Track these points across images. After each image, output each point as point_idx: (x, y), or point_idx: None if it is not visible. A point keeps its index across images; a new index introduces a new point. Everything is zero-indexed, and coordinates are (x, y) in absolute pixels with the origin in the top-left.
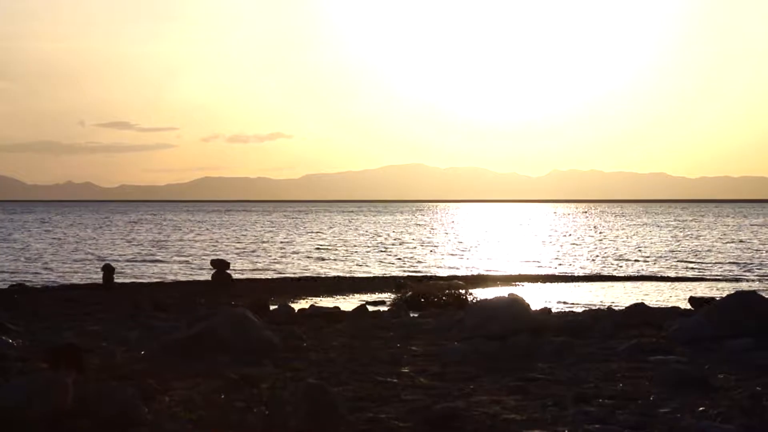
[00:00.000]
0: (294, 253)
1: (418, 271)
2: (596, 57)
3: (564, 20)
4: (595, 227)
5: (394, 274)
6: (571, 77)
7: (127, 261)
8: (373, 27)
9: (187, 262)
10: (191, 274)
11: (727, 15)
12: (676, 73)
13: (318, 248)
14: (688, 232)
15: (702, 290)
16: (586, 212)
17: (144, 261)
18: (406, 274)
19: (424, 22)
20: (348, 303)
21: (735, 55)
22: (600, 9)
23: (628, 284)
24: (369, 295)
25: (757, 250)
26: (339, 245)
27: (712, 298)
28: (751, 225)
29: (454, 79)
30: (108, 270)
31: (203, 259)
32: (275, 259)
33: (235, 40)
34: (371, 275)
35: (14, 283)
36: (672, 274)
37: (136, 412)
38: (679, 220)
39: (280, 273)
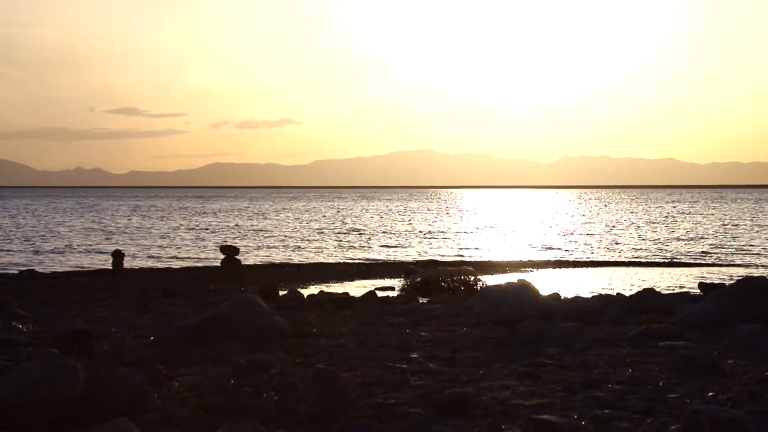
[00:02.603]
0: (302, 239)
1: (428, 257)
2: (606, 43)
3: (575, 6)
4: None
5: (403, 259)
6: (581, 63)
7: (137, 247)
8: (383, 13)
9: (196, 248)
10: (200, 261)
11: (740, 2)
12: (687, 59)
13: (327, 234)
14: (698, 218)
15: (712, 276)
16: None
17: (154, 247)
18: (415, 260)
19: (434, 7)
20: (357, 289)
21: (745, 41)
22: None
23: (638, 270)
24: (378, 281)
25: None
26: (348, 231)
27: (722, 284)
28: (763, 210)
29: (464, 65)
30: (118, 256)
31: (213, 245)
32: (284, 245)
33: (244, 26)
34: (380, 261)
35: (24, 269)
36: (682, 259)
37: (145, 398)
38: (688, 206)
39: (289, 259)
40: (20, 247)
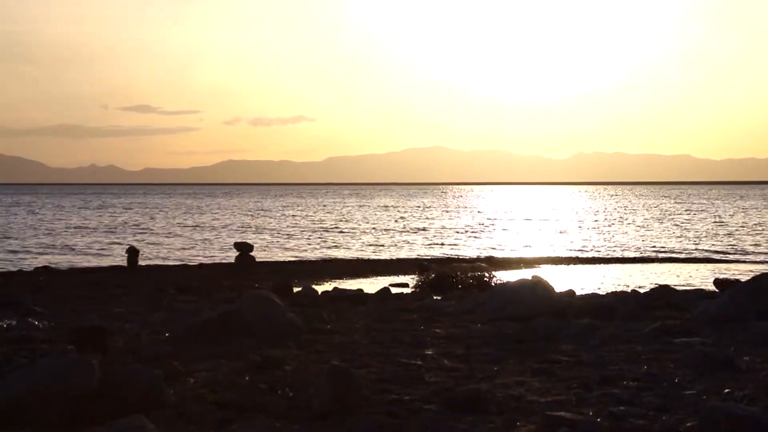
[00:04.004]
0: (317, 235)
1: (441, 254)
2: (620, 37)
3: (589, 1)
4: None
5: (416, 256)
6: (594, 59)
7: (150, 243)
8: (396, 10)
9: (210, 244)
10: (215, 257)
11: None
12: (702, 54)
13: (341, 231)
14: (713, 214)
15: (727, 272)
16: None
17: (167, 244)
18: (429, 256)
19: (446, 4)
20: (371, 285)
21: (761, 36)
22: None
23: (652, 266)
24: (392, 277)
25: None
26: (362, 228)
27: (738, 280)
28: None
29: (477, 60)
30: (132, 252)
31: (226, 241)
32: (298, 241)
33: (258, 23)
34: (394, 258)
35: (39, 265)
36: (696, 255)
37: (160, 394)
38: (704, 202)
39: (303, 256)
40: (33, 242)
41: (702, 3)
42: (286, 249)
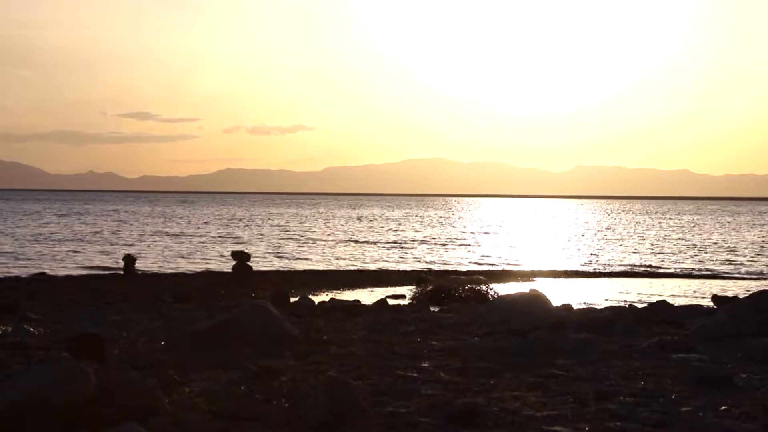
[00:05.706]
0: (314, 245)
1: (439, 266)
2: (621, 51)
3: (589, 13)
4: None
5: (414, 268)
6: (595, 72)
7: (149, 251)
8: (396, 19)
9: (207, 253)
10: (212, 266)
11: (754, 10)
12: (702, 69)
13: (338, 241)
14: (711, 230)
15: (725, 288)
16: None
17: (164, 251)
18: (426, 268)
19: (447, 14)
20: (368, 296)
21: (761, 52)
22: (624, 3)
23: (650, 281)
24: (389, 288)
25: None
26: (360, 239)
27: (735, 297)
28: None
29: (477, 72)
30: (129, 260)
31: (224, 250)
32: (295, 251)
33: (258, 32)
34: (391, 269)
35: (36, 272)
36: (694, 271)
37: (156, 403)
38: (701, 218)
39: (301, 266)
40: (31, 249)
41: (702, 18)
42: (284, 258)
